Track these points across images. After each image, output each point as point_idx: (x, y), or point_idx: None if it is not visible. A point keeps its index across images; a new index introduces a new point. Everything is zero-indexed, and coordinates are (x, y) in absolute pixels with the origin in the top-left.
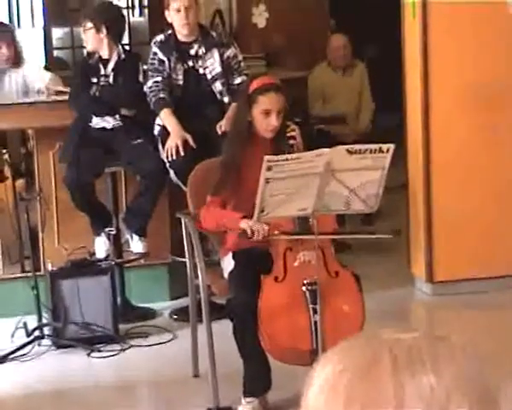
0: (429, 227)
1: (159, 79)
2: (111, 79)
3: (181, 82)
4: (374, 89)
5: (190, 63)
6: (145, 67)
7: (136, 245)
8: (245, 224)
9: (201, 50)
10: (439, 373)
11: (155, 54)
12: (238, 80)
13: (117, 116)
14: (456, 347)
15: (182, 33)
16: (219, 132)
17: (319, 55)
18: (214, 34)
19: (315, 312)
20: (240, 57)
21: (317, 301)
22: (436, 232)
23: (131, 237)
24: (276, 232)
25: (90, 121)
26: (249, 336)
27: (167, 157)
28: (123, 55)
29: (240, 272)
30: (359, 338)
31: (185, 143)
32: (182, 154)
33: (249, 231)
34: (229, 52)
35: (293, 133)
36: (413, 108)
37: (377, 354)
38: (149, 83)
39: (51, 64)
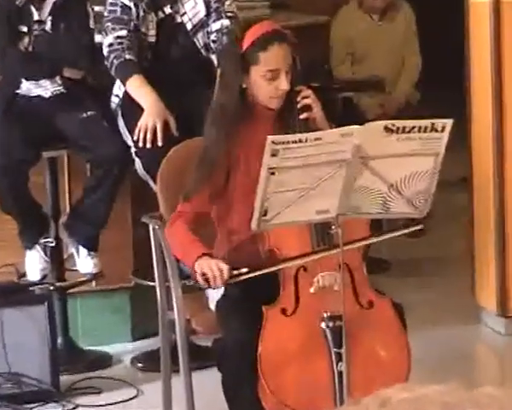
0: (502, 241)
1: (123, 33)
2: (48, 27)
3: (153, 38)
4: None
5: (167, 10)
6: (97, 8)
7: (84, 263)
8: (198, 267)
9: None
10: None
11: None
12: (217, 25)
13: (58, 79)
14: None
15: None
16: None
17: None
18: None
19: (339, 359)
20: None
21: (342, 343)
22: None
23: (77, 251)
24: (243, 270)
25: (19, 87)
26: (245, 392)
27: (136, 141)
28: None
29: (232, 301)
30: None
31: (165, 125)
32: (160, 143)
33: (200, 279)
34: None
35: (306, 101)
36: (480, 84)
37: None
38: (109, 38)
39: None
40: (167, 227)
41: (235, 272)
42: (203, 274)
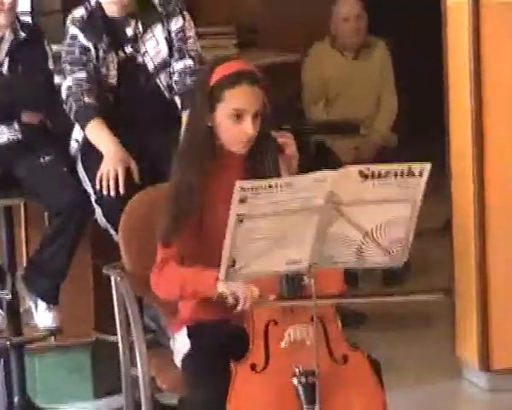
0: (484, 293)
1: (82, 75)
2: (5, 69)
3: (114, 80)
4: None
5: (127, 49)
6: (55, 47)
7: (42, 317)
8: (224, 286)
9: (139, 29)
10: None
11: (75, 38)
12: (179, 65)
13: (15, 124)
14: None
15: (110, 10)
16: None
17: (319, 29)
18: (157, 1)
19: None
20: (190, 32)
21: (315, 399)
22: (494, 300)
23: (36, 305)
24: (272, 296)
25: None
26: None
27: (97, 189)
28: (22, 33)
29: (199, 357)
30: None
31: (126, 172)
32: (122, 190)
33: (230, 298)
34: (173, 24)
35: (282, 140)
36: (459, 127)
37: None
38: (68, 81)
39: None
40: (156, 275)
41: (263, 299)
42: (233, 293)
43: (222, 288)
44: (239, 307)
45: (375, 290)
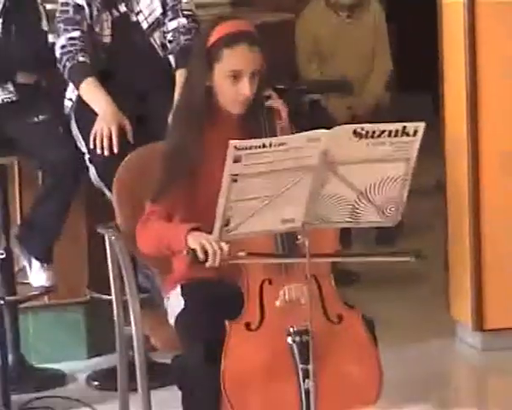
0: (478, 252)
1: (76, 34)
2: None
3: (108, 39)
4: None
5: (121, 8)
6: (49, 6)
7: (36, 275)
8: (194, 241)
9: None
10: None
11: None
12: (173, 24)
13: (10, 85)
14: None
15: None
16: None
17: None
18: None
19: (306, 375)
20: None
21: (309, 358)
22: (488, 259)
23: (30, 264)
24: (241, 253)
25: None
26: None
27: (91, 148)
28: None
29: (193, 315)
30: None
31: (120, 131)
32: (116, 149)
33: (200, 253)
34: None
35: (274, 104)
36: (454, 86)
37: None
38: (62, 40)
39: None
40: (140, 226)
41: (234, 255)
42: (202, 247)
43: (191, 242)
44: (208, 263)
45: (354, 251)
